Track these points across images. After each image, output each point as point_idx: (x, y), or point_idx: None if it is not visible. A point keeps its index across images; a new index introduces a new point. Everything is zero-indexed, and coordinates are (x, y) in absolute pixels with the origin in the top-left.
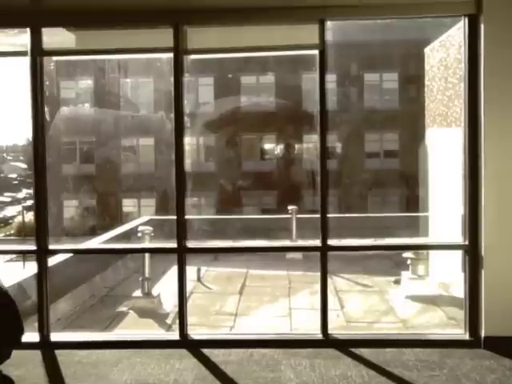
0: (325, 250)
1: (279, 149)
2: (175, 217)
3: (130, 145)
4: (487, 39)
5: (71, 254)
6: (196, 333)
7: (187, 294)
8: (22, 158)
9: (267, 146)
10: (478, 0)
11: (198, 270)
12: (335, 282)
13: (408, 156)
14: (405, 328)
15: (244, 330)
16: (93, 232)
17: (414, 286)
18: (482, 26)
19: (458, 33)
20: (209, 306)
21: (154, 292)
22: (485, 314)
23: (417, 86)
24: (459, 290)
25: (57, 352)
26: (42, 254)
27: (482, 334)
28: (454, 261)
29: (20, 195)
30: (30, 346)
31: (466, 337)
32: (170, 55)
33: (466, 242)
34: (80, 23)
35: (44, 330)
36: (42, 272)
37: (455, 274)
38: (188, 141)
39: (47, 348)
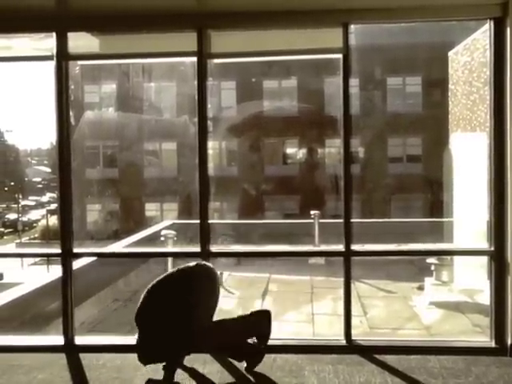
0: (348, 254)
1: (302, 153)
2: (198, 221)
3: (153, 149)
4: None
5: (94, 258)
6: None
7: None
8: (46, 162)
9: (290, 151)
10: (504, 3)
11: (221, 275)
12: (358, 287)
13: (431, 161)
14: (429, 335)
15: None
16: (116, 236)
17: (437, 292)
18: (508, 30)
19: (482, 36)
20: (231, 311)
21: None
22: (511, 321)
23: (440, 90)
24: (484, 296)
25: (81, 355)
26: (66, 257)
27: (509, 342)
28: (480, 267)
29: (44, 199)
30: (55, 349)
31: (492, 344)
32: (194, 59)
33: (492, 248)
34: (105, 27)
35: (68, 334)
36: (67, 275)
37: (480, 281)
38: (211, 145)
39: (71, 351)
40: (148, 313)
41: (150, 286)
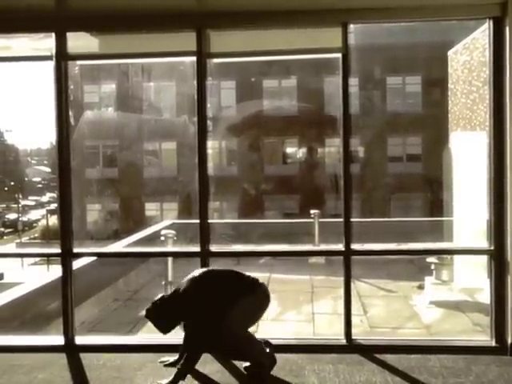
0: (348, 254)
1: (301, 153)
2: (198, 220)
3: (153, 149)
4: None
5: (94, 258)
6: None
7: None
8: (45, 161)
9: (289, 150)
10: (503, 2)
11: None
12: (358, 286)
13: (431, 160)
14: (429, 334)
15: (267, 334)
16: (116, 235)
17: (438, 291)
18: (507, 29)
19: (482, 35)
20: None
21: None
22: (511, 320)
23: (440, 90)
24: (484, 295)
25: (81, 355)
26: (66, 257)
27: (509, 341)
28: (480, 266)
29: (44, 199)
30: (55, 349)
31: (492, 343)
32: (193, 59)
33: (492, 247)
34: (104, 27)
35: (69, 333)
36: (67, 275)
37: (480, 280)
38: (210, 145)
39: (72, 351)
40: (200, 289)
41: (224, 270)
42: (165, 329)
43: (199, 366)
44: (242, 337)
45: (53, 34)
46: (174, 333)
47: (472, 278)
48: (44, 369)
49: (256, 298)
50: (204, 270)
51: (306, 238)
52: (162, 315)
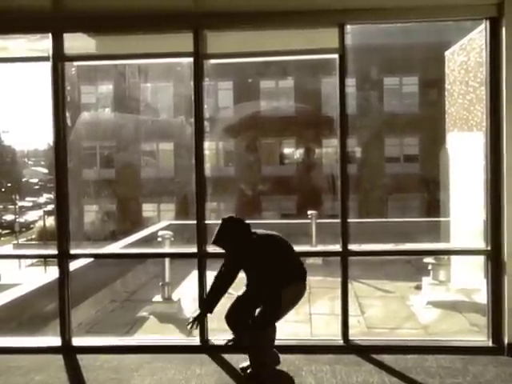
0: (345, 254)
1: (299, 153)
2: (195, 221)
3: (150, 149)
4: (509, 42)
5: (91, 259)
6: (217, 338)
7: None
8: (43, 162)
9: (287, 151)
10: (500, 3)
11: None
12: (356, 287)
13: (428, 160)
14: (426, 334)
15: None
16: (113, 237)
17: (435, 291)
18: (504, 29)
19: (478, 36)
20: None
21: (175, 297)
22: (508, 320)
23: (437, 90)
24: (481, 295)
25: (78, 356)
26: (63, 259)
27: (506, 341)
28: (477, 266)
29: (41, 200)
30: (52, 350)
31: (489, 343)
32: (190, 60)
33: (488, 248)
34: (101, 28)
35: (66, 335)
36: (64, 276)
37: (477, 280)
38: (207, 145)
39: (69, 352)
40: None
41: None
42: (219, 242)
43: (196, 367)
44: (270, 330)
45: (50, 35)
46: (172, 333)
47: (469, 278)
48: (41, 370)
49: (301, 287)
50: (283, 238)
51: (304, 239)
52: (235, 233)
